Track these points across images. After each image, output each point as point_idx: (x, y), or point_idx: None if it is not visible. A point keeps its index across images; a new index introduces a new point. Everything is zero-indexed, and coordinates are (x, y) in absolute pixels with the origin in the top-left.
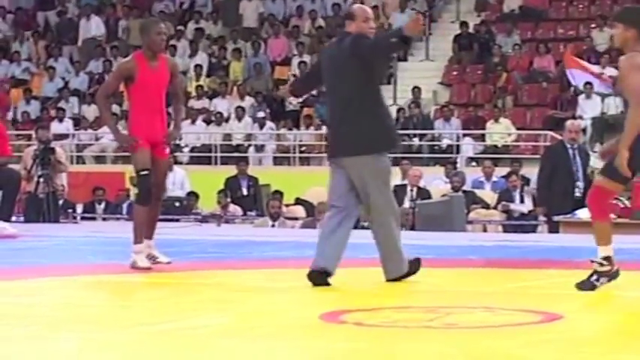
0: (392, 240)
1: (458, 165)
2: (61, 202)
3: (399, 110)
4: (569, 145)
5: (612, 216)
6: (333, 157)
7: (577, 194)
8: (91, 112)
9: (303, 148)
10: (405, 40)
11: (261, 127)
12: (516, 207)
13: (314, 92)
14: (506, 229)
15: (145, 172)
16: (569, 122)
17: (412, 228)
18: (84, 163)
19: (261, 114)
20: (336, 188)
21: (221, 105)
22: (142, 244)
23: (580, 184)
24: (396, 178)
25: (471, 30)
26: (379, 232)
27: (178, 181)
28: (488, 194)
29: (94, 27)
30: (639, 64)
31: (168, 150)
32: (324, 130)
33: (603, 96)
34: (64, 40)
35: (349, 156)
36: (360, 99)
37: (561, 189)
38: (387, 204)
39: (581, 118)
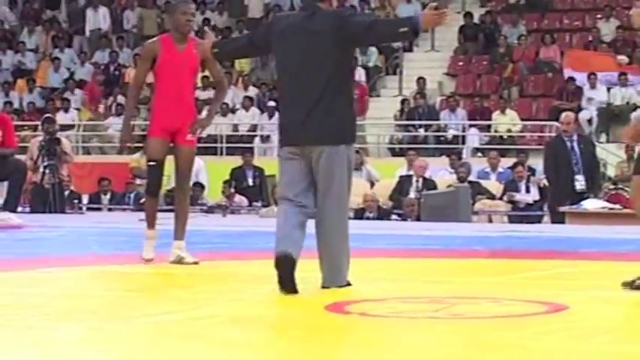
0: (345, 241)
1: (463, 156)
2: (66, 192)
3: (403, 101)
4: (566, 138)
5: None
6: (295, 145)
7: (578, 187)
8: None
9: None
10: (416, 32)
11: (271, 116)
12: (522, 197)
13: None
14: (512, 219)
15: (153, 163)
16: (562, 114)
17: (418, 218)
18: (89, 153)
19: (272, 103)
20: (295, 181)
21: (226, 95)
22: (152, 230)
23: (579, 177)
24: (401, 168)
25: (476, 21)
26: (333, 228)
27: (194, 171)
28: (493, 185)
29: (101, 18)
30: None
31: (192, 137)
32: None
33: (609, 87)
34: (72, 31)
35: (323, 144)
36: (338, 83)
37: (562, 182)
38: (347, 200)
39: (586, 108)
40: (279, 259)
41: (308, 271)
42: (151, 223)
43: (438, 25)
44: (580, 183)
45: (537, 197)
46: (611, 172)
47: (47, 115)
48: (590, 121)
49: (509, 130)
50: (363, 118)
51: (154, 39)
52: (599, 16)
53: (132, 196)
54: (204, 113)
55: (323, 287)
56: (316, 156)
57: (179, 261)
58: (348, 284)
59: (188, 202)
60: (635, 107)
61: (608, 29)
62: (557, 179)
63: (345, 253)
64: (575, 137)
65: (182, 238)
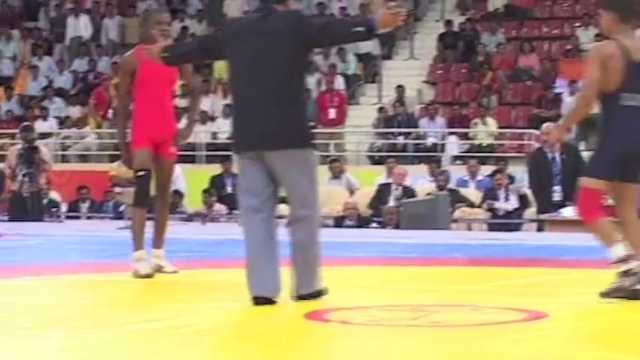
0: (316, 247)
1: (443, 163)
2: (45, 200)
3: (380, 109)
4: (547, 149)
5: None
6: (251, 150)
7: (555, 198)
8: (76, 111)
9: None
10: (372, 32)
11: None
12: (501, 205)
13: None
14: (491, 227)
15: (142, 173)
16: (543, 125)
17: (397, 226)
18: (68, 162)
19: None
20: (256, 187)
21: (205, 103)
22: (141, 251)
23: (557, 188)
24: (381, 176)
25: (455, 28)
26: (304, 233)
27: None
28: (473, 193)
29: (82, 25)
30: (599, 57)
31: (174, 149)
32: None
33: None
34: (52, 39)
35: (281, 149)
36: (293, 86)
37: (544, 193)
38: (316, 203)
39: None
40: (259, 301)
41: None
42: (139, 241)
43: (394, 25)
44: (557, 194)
45: (516, 205)
46: None
47: (25, 123)
48: (569, 129)
49: (493, 136)
50: (343, 126)
51: (131, 51)
52: (577, 24)
53: (110, 204)
54: (183, 122)
55: (296, 297)
56: (276, 161)
57: (158, 270)
58: (322, 293)
59: (168, 211)
60: None
61: (586, 37)
62: (540, 191)
63: (318, 259)
64: (557, 147)
65: (161, 247)
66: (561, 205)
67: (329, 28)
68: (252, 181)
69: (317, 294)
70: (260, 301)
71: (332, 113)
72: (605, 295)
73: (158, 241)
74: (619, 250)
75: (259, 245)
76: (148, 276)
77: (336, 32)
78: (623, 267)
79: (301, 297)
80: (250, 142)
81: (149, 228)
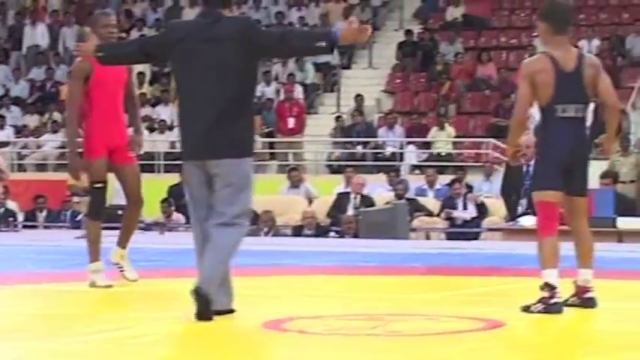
0: (230, 255)
1: (401, 173)
2: (1, 210)
3: (337, 118)
4: (523, 161)
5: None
6: (198, 159)
7: (519, 210)
8: (33, 120)
9: None
10: (333, 47)
11: None
12: (459, 214)
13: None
14: (450, 236)
15: (99, 185)
16: (524, 138)
17: (356, 235)
18: (25, 171)
19: None
20: (202, 197)
21: (164, 112)
22: (98, 262)
23: (523, 201)
24: (339, 185)
25: (414, 38)
26: (226, 244)
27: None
28: (431, 202)
29: (39, 34)
30: (526, 73)
31: (132, 154)
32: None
33: None
34: (9, 48)
35: (225, 158)
36: (243, 96)
37: (513, 204)
38: (248, 216)
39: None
40: (203, 306)
41: (243, 287)
42: (94, 252)
43: (358, 40)
44: (523, 207)
45: (475, 214)
46: None
47: None
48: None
49: (451, 145)
50: (301, 135)
51: (82, 57)
52: (535, 34)
53: (68, 213)
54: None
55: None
56: (218, 170)
57: (120, 269)
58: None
59: (139, 215)
60: None
61: (544, 47)
62: (511, 201)
63: (230, 274)
64: (532, 162)
65: (125, 247)
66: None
67: (289, 40)
68: (198, 191)
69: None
70: (202, 305)
71: (291, 122)
72: (525, 309)
73: (124, 242)
74: (550, 276)
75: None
76: (107, 287)
77: (297, 45)
78: (545, 293)
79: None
80: (197, 151)
81: (110, 238)
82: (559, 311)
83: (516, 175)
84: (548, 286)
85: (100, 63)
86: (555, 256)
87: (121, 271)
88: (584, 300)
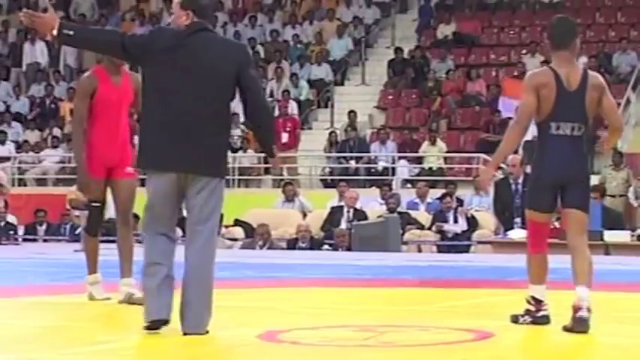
0: (209, 282)
1: (393, 187)
2: (2, 223)
3: (331, 134)
4: (511, 180)
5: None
6: (166, 171)
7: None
8: (34, 135)
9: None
10: (270, 148)
11: None
12: (450, 227)
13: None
14: (441, 249)
15: (96, 205)
16: (509, 157)
17: (349, 248)
18: (25, 185)
19: None
20: (166, 212)
21: None
22: (95, 275)
23: (517, 220)
24: (333, 199)
25: (405, 55)
26: (201, 265)
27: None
28: (422, 215)
29: (38, 52)
30: (532, 85)
31: (132, 170)
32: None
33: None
34: (10, 65)
35: (202, 175)
36: (225, 114)
37: (507, 221)
38: (216, 238)
39: None
40: (155, 325)
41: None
42: (92, 265)
43: (274, 167)
44: (518, 225)
45: (465, 227)
46: None
47: None
48: (516, 153)
49: (442, 159)
50: (295, 150)
51: (89, 73)
52: (524, 51)
53: (67, 227)
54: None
55: (185, 334)
56: (192, 187)
57: (129, 298)
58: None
59: (132, 237)
60: None
61: (532, 64)
62: (505, 218)
63: (209, 297)
64: (520, 180)
65: (130, 275)
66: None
67: (265, 116)
68: (164, 205)
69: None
70: (155, 326)
71: (285, 138)
72: (513, 318)
73: (126, 270)
74: (538, 291)
75: (161, 287)
76: (105, 299)
77: (262, 121)
78: (532, 307)
79: (185, 334)
80: (164, 162)
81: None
82: (546, 323)
83: (505, 193)
84: (535, 300)
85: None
86: (543, 272)
87: (132, 298)
88: (574, 319)
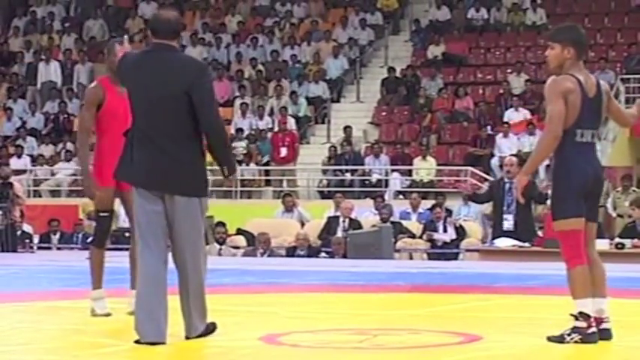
0: (201, 290)
1: (386, 198)
2: (18, 233)
3: (330, 148)
4: (507, 180)
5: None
6: (157, 191)
7: (505, 226)
8: (48, 150)
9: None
10: (221, 168)
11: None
12: (440, 236)
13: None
14: (431, 256)
15: (104, 214)
16: (506, 158)
17: (344, 256)
18: (40, 196)
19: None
20: (157, 229)
21: None
22: (99, 290)
23: (509, 216)
24: (329, 210)
25: (397, 74)
26: (193, 278)
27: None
28: (414, 225)
29: (52, 71)
30: (561, 91)
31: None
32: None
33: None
34: (27, 84)
35: (194, 196)
36: (184, 131)
37: (496, 222)
38: (204, 252)
39: (497, 155)
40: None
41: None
42: (97, 280)
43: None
44: (508, 222)
45: (454, 236)
46: None
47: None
48: (501, 166)
49: (433, 173)
50: (295, 163)
51: (95, 83)
52: (509, 70)
53: (80, 236)
54: None
55: (187, 337)
56: (179, 205)
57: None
58: (209, 332)
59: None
60: None
61: (517, 83)
62: (495, 219)
63: (203, 301)
64: (515, 180)
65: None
66: (509, 234)
67: (207, 124)
68: (154, 224)
69: (201, 334)
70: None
71: (284, 152)
72: (560, 341)
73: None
74: (585, 305)
75: (152, 286)
76: (106, 315)
77: (209, 135)
78: (582, 323)
79: (191, 338)
80: (155, 182)
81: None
82: (595, 341)
83: (499, 193)
84: (584, 316)
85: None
86: (587, 284)
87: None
88: (600, 331)
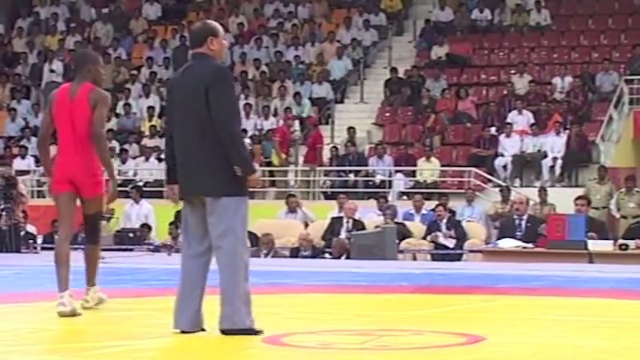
0: (233, 287)
1: (390, 199)
2: (22, 233)
3: (332, 148)
4: (516, 217)
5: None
6: (190, 195)
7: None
8: (51, 150)
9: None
10: (247, 169)
11: None
12: (443, 242)
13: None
14: (434, 257)
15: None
16: (516, 197)
17: (348, 257)
18: (44, 197)
19: None
20: (199, 231)
21: None
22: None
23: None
24: (333, 210)
25: (401, 75)
26: (223, 274)
27: (143, 214)
28: (417, 226)
29: (56, 71)
30: None
31: (97, 189)
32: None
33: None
34: (30, 85)
35: (221, 196)
36: (210, 135)
37: None
38: (245, 251)
39: (502, 155)
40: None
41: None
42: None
43: (254, 185)
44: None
45: (455, 242)
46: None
47: (1, 161)
48: (505, 167)
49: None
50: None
51: (57, 89)
52: (513, 71)
53: (83, 236)
54: (152, 160)
55: (221, 331)
56: (206, 206)
57: (100, 302)
58: (251, 332)
59: (99, 249)
60: (545, 155)
61: (521, 84)
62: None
63: (238, 297)
64: (525, 217)
65: (95, 284)
66: None
67: (220, 126)
68: (193, 225)
69: (239, 332)
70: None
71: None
72: None
73: (92, 278)
74: None
75: (193, 287)
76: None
77: (223, 138)
78: None
79: (222, 331)
80: (192, 187)
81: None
82: None
83: (510, 228)
84: None
85: None
86: None
87: (103, 301)
88: None
